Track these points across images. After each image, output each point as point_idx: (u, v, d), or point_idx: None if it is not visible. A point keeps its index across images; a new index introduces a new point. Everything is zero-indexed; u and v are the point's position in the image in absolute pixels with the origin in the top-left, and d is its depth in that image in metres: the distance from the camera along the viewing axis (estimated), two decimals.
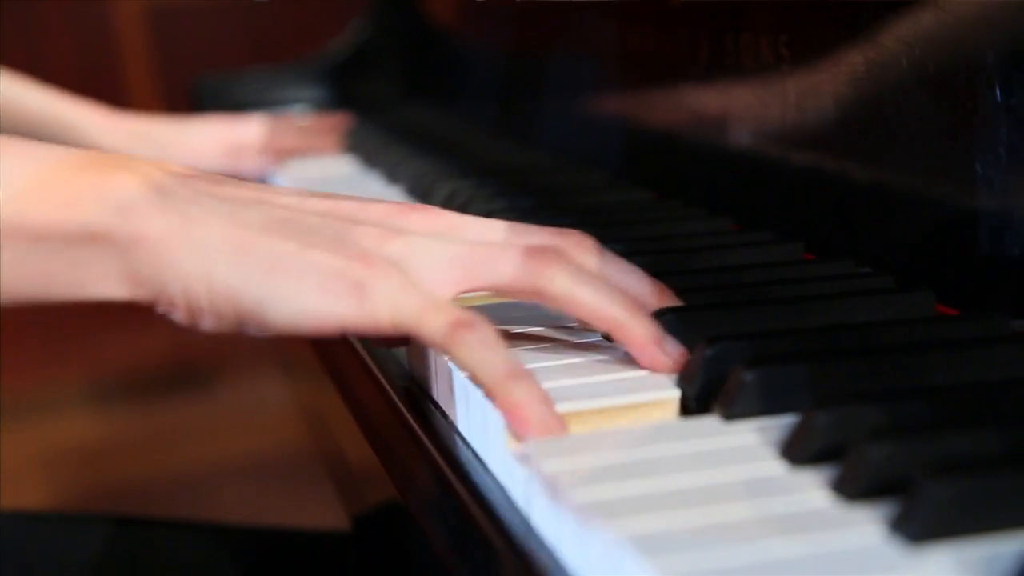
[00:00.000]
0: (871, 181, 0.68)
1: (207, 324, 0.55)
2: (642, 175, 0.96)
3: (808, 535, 0.41)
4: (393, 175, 1.13)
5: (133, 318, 2.38)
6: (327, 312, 0.53)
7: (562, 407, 0.51)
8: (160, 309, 0.55)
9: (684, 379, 0.55)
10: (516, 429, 0.49)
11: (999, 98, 0.58)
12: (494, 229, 0.57)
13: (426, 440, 0.57)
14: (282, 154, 1.30)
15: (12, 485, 1.69)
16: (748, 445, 0.48)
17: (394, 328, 0.53)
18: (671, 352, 0.55)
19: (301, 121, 1.43)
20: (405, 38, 1.61)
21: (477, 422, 0.54)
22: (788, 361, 0.52)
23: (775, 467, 0.46)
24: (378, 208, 0.57)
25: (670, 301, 0.60)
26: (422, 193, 1.01)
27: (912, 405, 0.48)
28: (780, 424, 0.49)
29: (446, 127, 1.39)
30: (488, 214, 0.85)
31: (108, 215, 0.53)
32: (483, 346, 0.51)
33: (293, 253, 0.53)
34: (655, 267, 0.71)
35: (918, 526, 0.40)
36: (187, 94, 1.69)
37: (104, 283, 0.54)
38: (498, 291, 0.56)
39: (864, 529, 0.41)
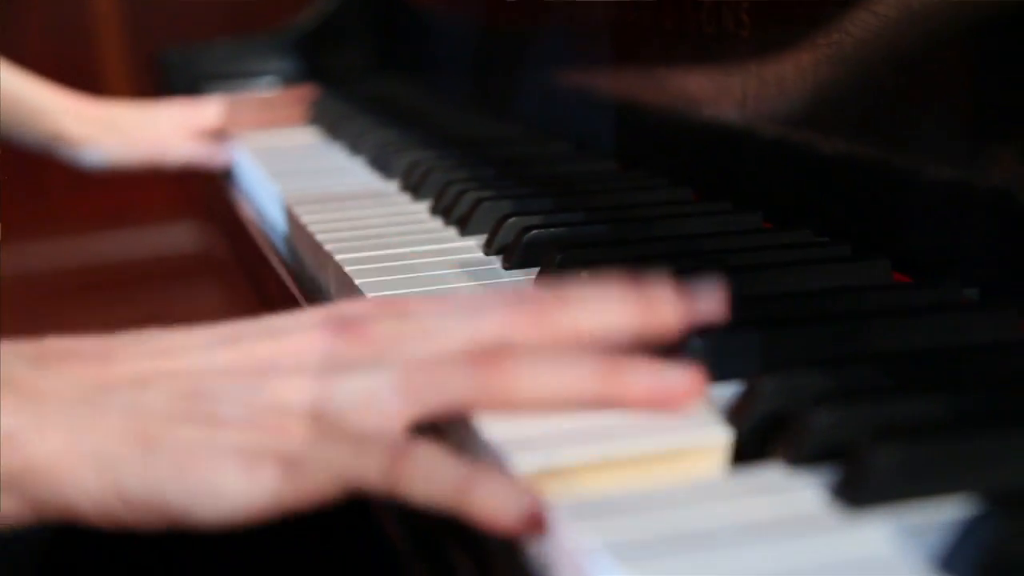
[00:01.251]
0: (831, 153, 0.67)
1: (135, 526, 0.47)
2: (606, 147, 0.95)
3: (748, 500, 0.41)
4: (356, 146, 1.12)
5: (112, 290, 2.38)
6: (259, 496, 0.45)
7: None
8: (71, 520, 0.48)
9: None
10: (496, 533, 0.43)
11: (951, 67, 0.57)
12: (443, 327, 0.49)
13: None
14: (244, 129, 1.30)
15: None
16: (692, 411, 0.47)
17: (339, 491, 0.45)
18: (679, 383, 0.47)
19: (263, 95, 1.42)
20: (373, 10, 1.60)
21: None
22: (737, 328, 0.52)
23: (719, 433, 0.46)
24: (300, 340, 0.49)
25: (664, 306, 0.50)
26: (384, 163, 1.00)
27: (860, 371, 0.47)
28: (729, 391, 0.49)
29: (412, 99, 1.38)
30: (449, 184, 0.85)
31: None
32: (427, 473, 0.44)
33: (204, 440, 0.46)
34: (613, 235, 0.71)
35: (860, 491, 0.40)
36: (153, 67, 1.68)
37: (7, 518, 0.48)
38: (453, 415, 0.48)
39: (806, 495, 0.41)
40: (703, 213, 0.74)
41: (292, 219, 0.88)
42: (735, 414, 0.46)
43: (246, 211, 1.08)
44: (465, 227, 0.77)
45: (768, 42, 0.72)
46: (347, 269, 0.69)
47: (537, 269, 0.66)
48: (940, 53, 0.58)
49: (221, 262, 1.37)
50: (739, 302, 0.56)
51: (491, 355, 0.47)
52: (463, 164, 0.93)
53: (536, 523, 0.41)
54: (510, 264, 0.69)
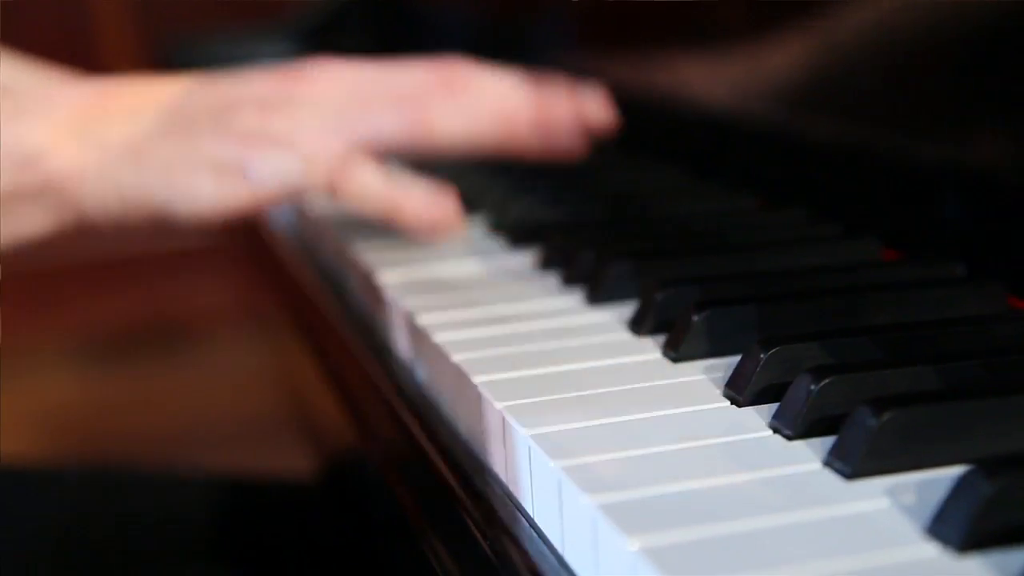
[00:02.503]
0: (822, 135, 0.69)
1: (131, 225, 0.60)
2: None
3: (746, 471, 0.42)
4: None
5: (116, 281, 2.38)
6: (226, 198, 0.58)
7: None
8: (85, 228, 0.60)
9: (635, 323, 0.56)
10: (419, 231, 0.56)
11: (945, 52, 0.59)
12: (376, 79, 0.61)
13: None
14: None
15: (3, 442, 1.70)
16: (694, 384, 0.49)
17: (287, 194, 0.58)
18: (595, 99, 0.61)
19: None
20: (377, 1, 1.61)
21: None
22: (735, 303, 0.53)
23: (720, 406, 0.48)
24: (264, 84, 0.61)
25: (554, 93, 0.63)
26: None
27: (853, 344, 0.49)
28: (727, 364, 0.50)
29: None
30: (447, 164, 0.87)
31: (17, 171, 0.59)
32: (361, 181, 0.56)
33: (184, 153, 0.58)
34: (610, 216, 0.72)
35: (852, 458, 0.41)
36: (158, 56, 1.69)
37: (31, 225, 0.60)
38: (382, 143, 0.60)
39: (801, 464, 0.42)
40: (699, 194, 0.76)
41: (299, 211, 0.89)
42: (733, 387, 0.48)
43: None
44: (471, 208, 0.79)
45: (759, 26, 0.73)
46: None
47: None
48: (927, 34, 0.60)
49: (228, 254, 1.39)
50: (736, 279, 0.59)
51: (413, 101, 0.58)
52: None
53: (448, 222, 0.55)
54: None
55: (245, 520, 0.89)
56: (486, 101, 0.61)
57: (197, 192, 0.58)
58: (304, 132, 0.58)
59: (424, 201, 0.55)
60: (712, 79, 0.78)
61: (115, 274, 2.36)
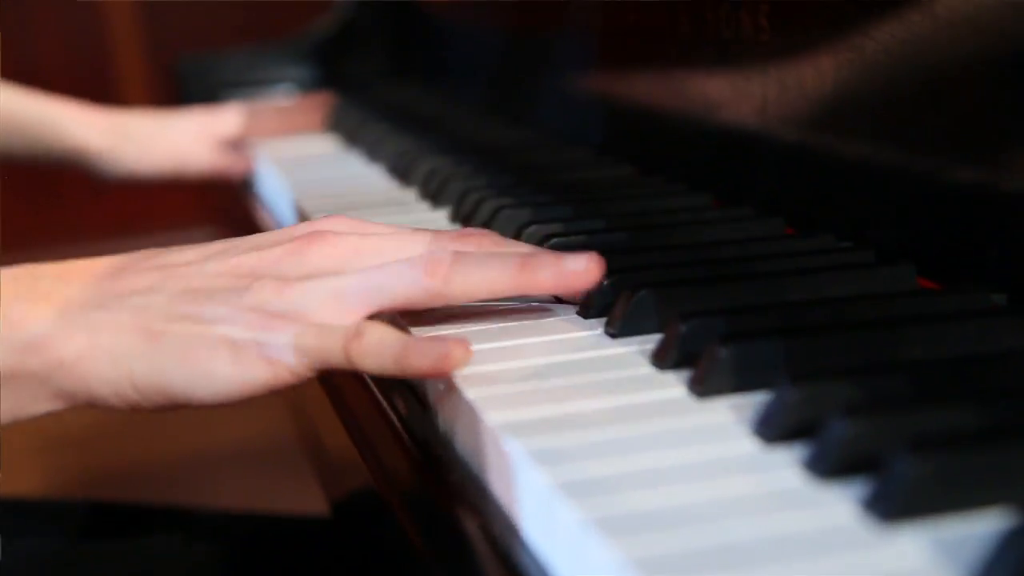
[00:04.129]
0: (854, 157, 0.67)
1: (147, 409, 0.58)
2: (624, 152, 0.95)
3: (778, 514, 0.40)
4: (374, 153, 1.11)
5: None
6: (246, 379, 0.56)
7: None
8: (98, 406, 0.59)
9: (657, 356, 0.54)
10: (435, 374, 0.54)
11: (975, 69, 0.57)
12: (396, 242, 0.60)
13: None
14: (264, 135, 1.29)
15: (5, 471, 1.68)
16: (720, 423, 0.47)
17: (310, 371, 0.56)
18: (579, 266, 0.57)
19: (281, 104, 1.42)
20: (388, 17, 1.59)
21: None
22: (763, 337, 0.51)
23: (747, 445, 0.45)
24: (275, 252, 0.60)
25: (575, 261, 0.59)
26: (403, 171, 1.00)
27: (887, 380, 0.47)
28: (754, 401, 0.48)
29: (429, 106, 1.37)
30: (467, 192, 0.85)
31: (20, 355, 0.58)
32: (378, 347, 0.55)
33: (200, 334, 0.57)
34: (633, 243, 0.70)
35: (890, 504, 0.39)
36: (171, 75, 1.68)
37: (35, 405, 0.59)
38: (400, 309, 0.59)
39: (836, 508, 0.40)
40: (724, 219, 0.74)
41: None
42: (762, 426, 0.46)
43: (264, 218, 1.08)
44: None
45: (788, 46, 0.71)
46: None
47: None
48: (964, 55, 0.58)
49: None
50: (764, 310, 0.56)
51: (429, 260, 0.57)
52: (481, 171, 0.93)
53: (456, 357, 0.52)
54: None
55: (252, 554, 0.87)
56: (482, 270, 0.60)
57: (216, 374, 0.56)
58: (320, 303, 0.57)
59: (431, 349, 0.53)
60: (740, 100, 0.76)
61: None
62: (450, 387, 0.53)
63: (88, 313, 0.58)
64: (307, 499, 1.00)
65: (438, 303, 0.58)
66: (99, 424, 2.06)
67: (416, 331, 0.60)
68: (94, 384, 0.58)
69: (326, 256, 0.59)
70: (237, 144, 1.29)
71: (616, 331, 0.58)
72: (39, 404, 0.59)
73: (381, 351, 0.54)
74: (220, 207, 1.41)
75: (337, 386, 0.69)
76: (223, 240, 0.62)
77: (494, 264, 0.58)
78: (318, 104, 1.36)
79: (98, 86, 2.49)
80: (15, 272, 0.61)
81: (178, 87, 1.62)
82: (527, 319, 0.61)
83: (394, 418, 0.59)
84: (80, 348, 0.58)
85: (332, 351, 0.55)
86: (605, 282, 0.60)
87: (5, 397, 0.59)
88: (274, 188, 1.09)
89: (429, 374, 0.54)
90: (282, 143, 1.26)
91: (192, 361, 0.57)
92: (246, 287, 0.58)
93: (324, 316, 0.57)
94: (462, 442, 0.53)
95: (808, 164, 0.70)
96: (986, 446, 0.40)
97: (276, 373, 0.56)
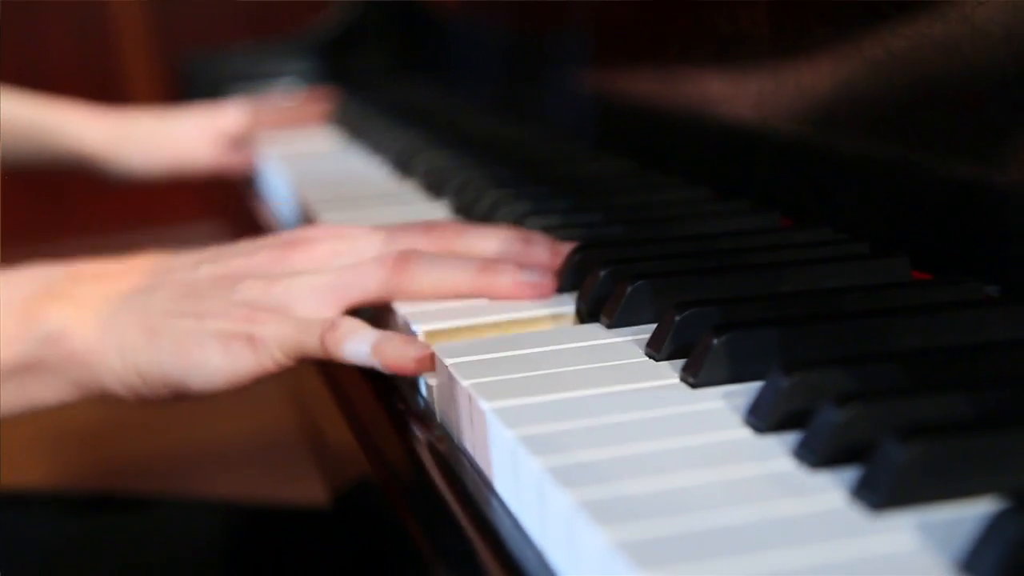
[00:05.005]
0: (850, 151, 0.67)
1: (151, 400, 0.65)
2: (623, 147, 0.95)
3: (767, 501, 0.40)
4: (376, 147, 1.12)
5: None
6: (235, 368, 0.62)
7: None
8: (106, 397, 0.65)
9: (652, 346, 0.54)
10: (406, 371, 0.58)
11: (968, 65, 0.57)
12: (369, 243, 0.66)
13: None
14: (268, 129, 1.30)
15: (12, 466, 1.69)
16: (713, 411, 0.47)
17: (290, 360, 0.62)
18: (535, 280, 0.63)
19: (284, 101, 1.42)
20: (391, 13, 1.60)
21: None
22: (756, 327, 0.51)
23: (739, 434, 0.45)
24: (262, 256, 0.66)
25: (538, 246, 0.66)
26: (404, 164, 1.00)
27: (879, 369, 0.47)
28: (748, 391, 0.48)
29: (431, 101, 1.38)
30: (467, 184, 0.85)
31: (38, 347, 0.64)
32: (351, 339, 0.59)
33: (193, 329, 0.62)
34: (630, 234, 0.71)
35: (880, 490, 0.39)
36: (176, 72, 1.68)
37: (51, 395, 0.65)
38: (371, 303, 0.64)
39: (826, 495, 0.40)
40: (721, 212, 0.74)
41: (311, 220, 0.88)
42: (755, 414, 0.46)
43: (266, 213, 1.08)
44: None
45: (784, 42, 0.71)
46: None
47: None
48: (958, 51, 0.58)
49: None
50: (759, 301, 0.57)
51: (397, 259, 0.63)
52: (481, 165, 0.93)
53: (426, 363, 0.57)
54: None
55: (254, 545, 0.88)
56: (475, 251, 0.66)
57: (208, 364, 0.62)
58: (299, 298, 0.62)
59: (402, 346, 0.58)
60: (736, 94, 0.77)
61: None
62: (447, 376, 0.54)
63: (98, 311, 0.65)
64: (308, 490, 1.01)
65: (403, 299, 0.63)
66: (103, 418, 2.07)
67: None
68: (104, 376, 0.64)
69: (307, 258, 0.65)
70: (240, 140, 1.29)
71: (612, 322, 0.58)
72: (55, 394, 0.65)
73: (354, 342, 0.59)
74: (223, 202, 1.41)
75: (337, 379, 0.69)
76: (215, 247, 0.68)
77: (456, 266, 0.63)
78: (321, 99, 1.37)
79: (104, 83, 2.50)
80: (32, 273, 0.67)
81: (183, 83, 1.63)
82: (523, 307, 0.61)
83: (394, 410, 0.59)
84: (91, 343, 0.64)
85: (310, 341, 0.61)
86: (600, 274, 0.60)
87: (25, 387, 0.65)
88: (277, 181, 1.09)
89: (395, 368, 0.58)
90: (285, 137, 1.27)
91: (187, 353, 0.62)
92: (235, 286, 0.63)
93: (304, 310, 0.62)
94: (457, 431, 0.53)
95: (804, 158, 0.71)
96: (975, 434, 0.40)
97: (260, 362, 0.62)
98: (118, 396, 0.65)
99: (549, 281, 0.63)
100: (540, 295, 0.63)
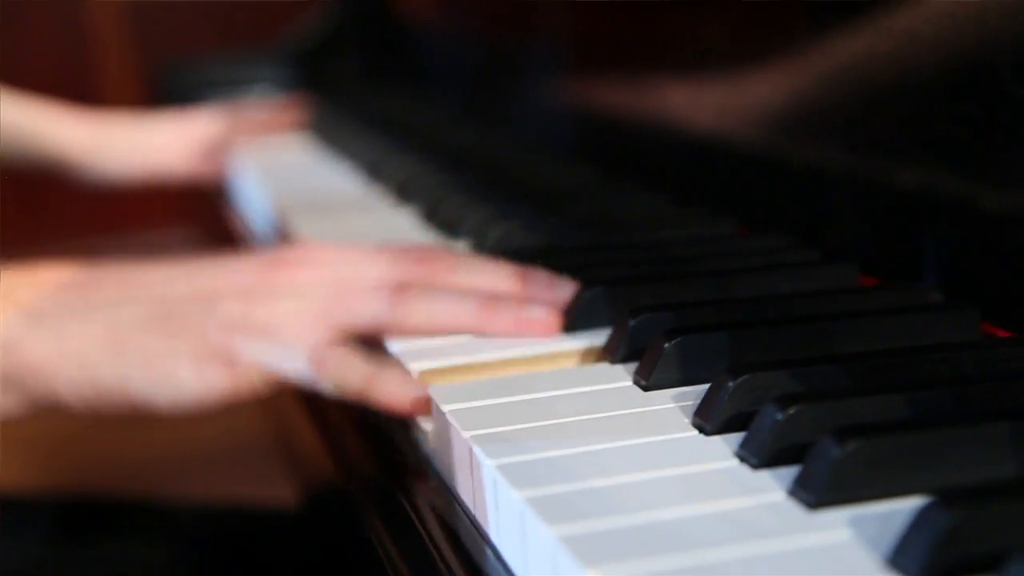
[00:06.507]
0: (804, 160, 0.69)
1: (108, 414, 0.60)
2: (589, 156, 0.96)
3: (708, 500, 0.42)
4: (349, 154, 1.13)
5: None
6: (206, 389, 0.58)
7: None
8: (61, 411, 0.61)
9: (607, 350, 0.56)
10: (399, 413, 0.55)
11: (922, 83, 0.59)
12: (361, 269, 0.61)
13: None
14: (243, 136, 1.31)
15: None
16: (661, 413, 0.49)
17: (268, 385, 0.58)
18: (539, 317, 0.59)
19: (259, 106, 1.43)
20: (366, 22, 1.61)
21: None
22: (707, 331, 0.53)
23: (686, 435, 0.47)
24: (244, 274, 0.61)
25: (537, 284, 0.62)
26: (376, 171, 1.02)
27: (823, 372, 0.49)
28: (698, 392, 0.50)
29: (405, 109, 1.39)
30: (434, 191, 0.87)
31: None
32: (340, 368, 0.56)
33: (165, 346, 0.58)
34: (589, 241, 0.72)
35: (816, 487, 0.41)
36: (152, 78, 1.69)
37: (4, 408, 0.61)
38: (361, 334, 0.60)
39: (766, 494, 0.42)
40: (679, 219, 0.76)
41: (283, 227, 0.89)
42: (701, 416, 0.48)
43: (239, 219, 1.10)
44: (454, 233, 0.79)
45: (742, 55, 0.73)
46: None
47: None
48: (905, 64, 0.60)
49: None
50: (711, 306, 0.58)
51: (394, 291, 0.59)
52: (450, 172, 0.95)
53: (422, 405, 0.53)
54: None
55: (227, 548, 0.88)
56: (472, 285, 0.62)
57: (178, 382, 0.58)
58: (285, 323, 0.58)
59: (397, 384, 0.55)
60: (695, 105, 0.78)
61: None
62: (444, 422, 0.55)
63: (59, 320, 0.60)
64: (279, 494, 1.02)
65: (397, 334, 0.59)
66: (75, 423, 2.07)
67: None
68: (59, 387, 0.60)
69: (293, 280, 0.61)
70: (215, 148, 1.30)
71: (568, 326, 0.60)
72: (6, 405, 0.61)
73: (346, 373, 0.56)
74: (197, 207, 1.42)
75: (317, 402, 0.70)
76: (192, 261, 0.64)
77: (456, 301, 0.59)
78: (296, 106, 1.38)
79: (81, 88, 2.50)
80: None
81: (159, 89, 1.64)
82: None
83: (361, 417, 0.60)
84: (48, 352, 0.60)
85: (294, 369, 0.58)
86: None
87: None
88: (249, 188, 1.11)
89: (389, 410, 0.55)
90: (259, 144, 1.28)
91: (156, 369, 0.59)
92: (214, 306, 0.59)
93: (289, 336, 0.58)
94: (420, 432, 0.55)
95: (761, 166, 0.72)
96: (908, 433, 0.42)
97: (236, 386, 0.58)
98: (72, 409, 0.61)
99: (552, 318, 0.59)
100: (544, 332, 0.59)
